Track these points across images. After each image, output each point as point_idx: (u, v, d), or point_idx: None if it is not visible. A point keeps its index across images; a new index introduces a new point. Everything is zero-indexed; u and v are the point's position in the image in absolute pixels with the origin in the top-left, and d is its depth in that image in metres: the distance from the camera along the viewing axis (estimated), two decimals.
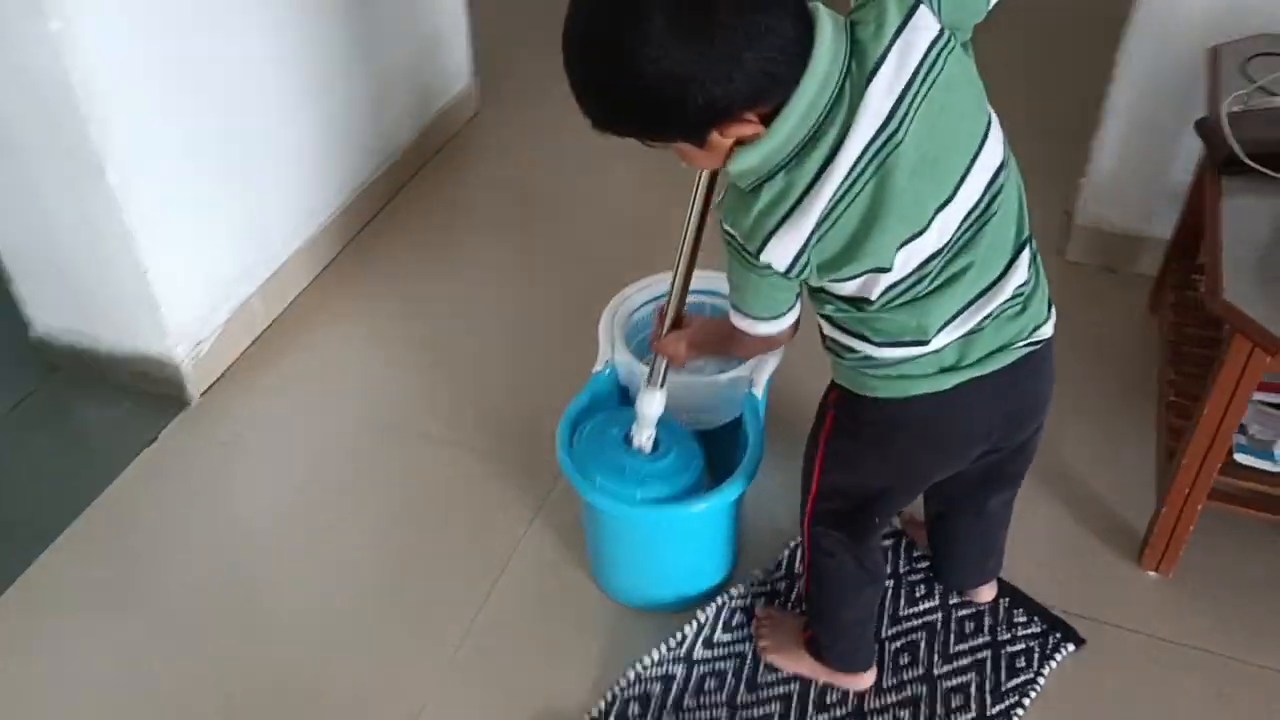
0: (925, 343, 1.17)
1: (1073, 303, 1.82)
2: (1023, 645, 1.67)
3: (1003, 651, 1.66)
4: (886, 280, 1.11)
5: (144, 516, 1.92)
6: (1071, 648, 1.66)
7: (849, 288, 1.14)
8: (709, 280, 1.84)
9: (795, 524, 1.51)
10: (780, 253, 1.08)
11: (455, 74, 2.84)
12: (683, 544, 1.69)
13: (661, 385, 1.58)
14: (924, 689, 1.63)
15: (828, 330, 1.26)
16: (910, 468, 1.34)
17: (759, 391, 1.68)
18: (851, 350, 1.23)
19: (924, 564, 1.77)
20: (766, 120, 1.01)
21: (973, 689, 1.62)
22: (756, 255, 1.09)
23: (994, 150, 1.10)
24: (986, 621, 1.70)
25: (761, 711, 1.60)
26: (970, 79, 1.08)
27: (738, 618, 1.71)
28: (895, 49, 1.00)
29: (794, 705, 1.60)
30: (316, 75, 2.28)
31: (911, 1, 1.01)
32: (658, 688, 1.62)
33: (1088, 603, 1.72)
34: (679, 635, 1.67)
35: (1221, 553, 1.77)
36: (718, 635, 1.68)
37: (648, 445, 1.61)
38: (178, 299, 2.03)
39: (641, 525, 1.63)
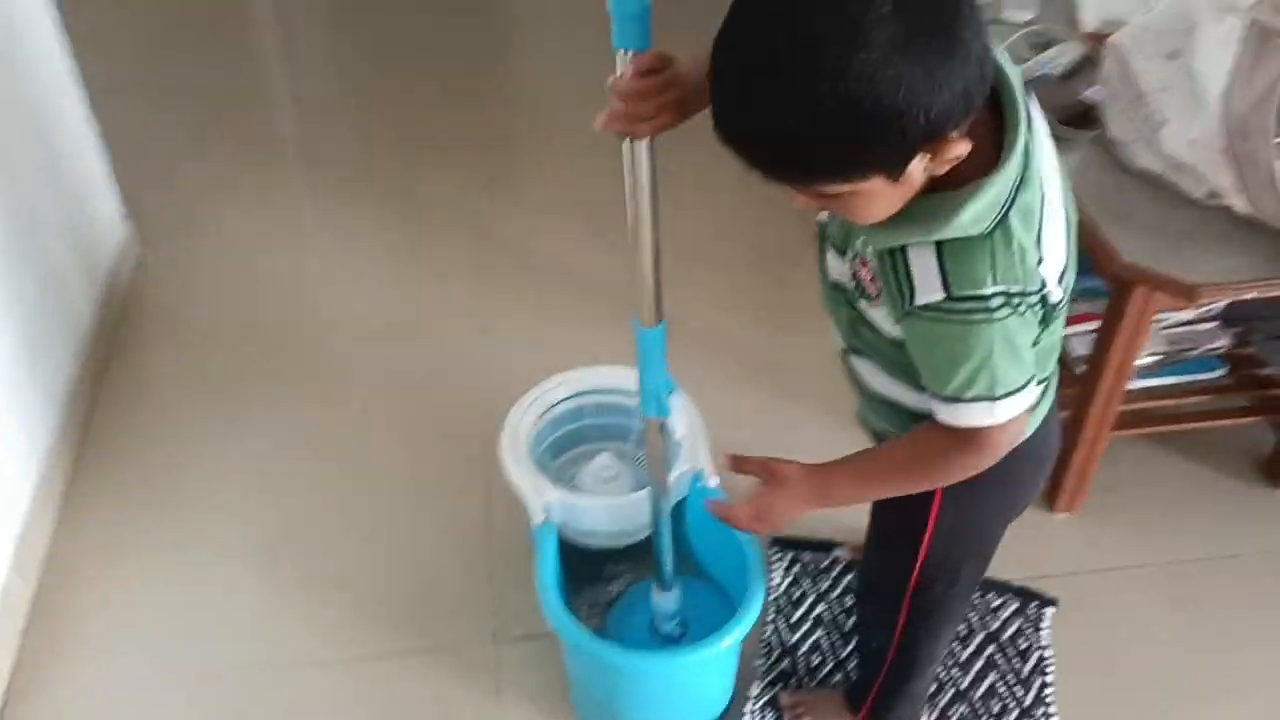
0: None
1: None
2: (1014, 627, 1.73)
3: (1003, 640, 1.71)
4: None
5: None
6: (1051, 609, 1.75)
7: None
8: (596, 378, 1.72)
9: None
10: (1053, 260, 0.97)
11: (109, 231, 2.38)
12: (709, 675, 1.56)
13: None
14: (964, 708, 1.63)
15: None
16: (1028, 496, 1.28)
17: (715, 482, 1.57)
18: None
19: None
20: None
21: (1002, 688, 1.65)
22: (1032, 280, 0.94)
23: None
24: (972, 619, 1.73)
25: None
26: None
27: (770, 718, 1.61)
28: None
29: None
30: None
31: None
32: None
33: (1026, 563, 1.81)
34: None
35: (1111, 477, 1.90)
36: None
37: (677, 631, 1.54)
38: None
39: (674, 670, 1.48)
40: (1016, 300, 0.94)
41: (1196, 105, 1.51)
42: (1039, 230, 0.95)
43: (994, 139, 0.92)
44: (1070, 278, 1.03)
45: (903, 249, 0.94)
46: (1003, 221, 0.92)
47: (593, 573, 1.75)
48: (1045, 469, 1.25)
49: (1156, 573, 1.81)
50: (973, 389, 0.97)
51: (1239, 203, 1.52)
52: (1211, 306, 1.85)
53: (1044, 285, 0.96)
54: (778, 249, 2.48)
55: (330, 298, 2.39)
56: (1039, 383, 1.08)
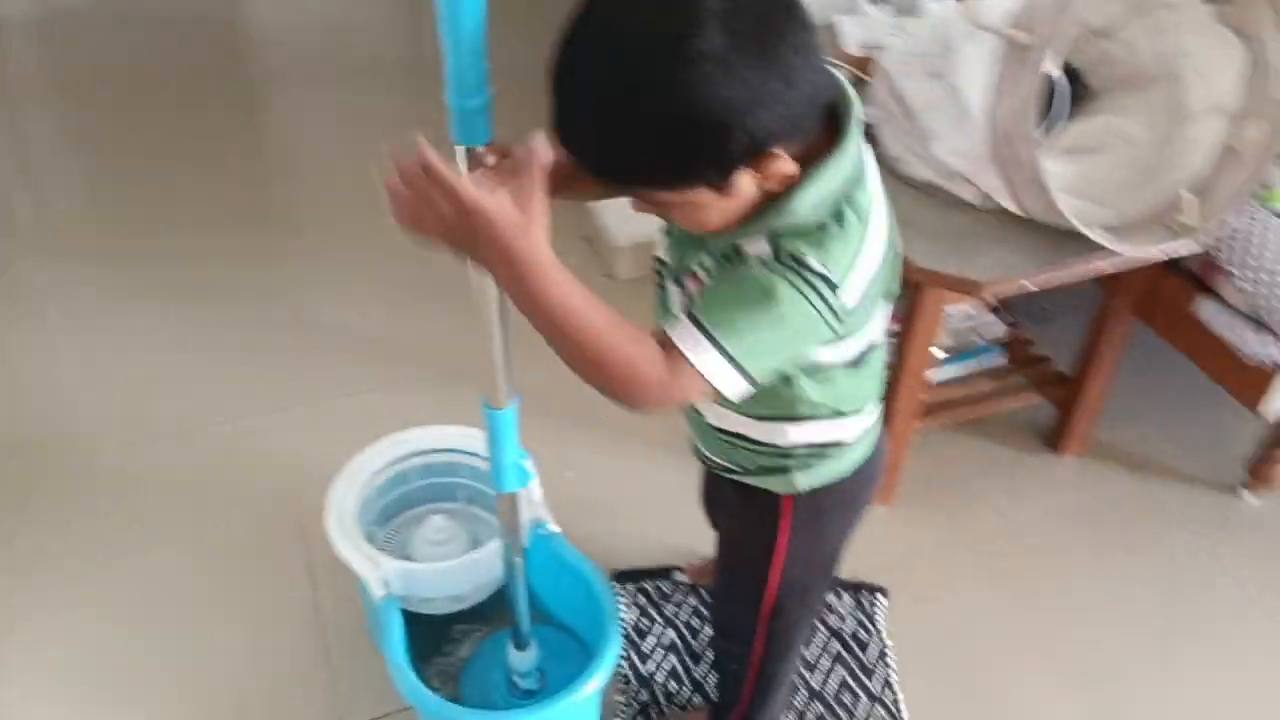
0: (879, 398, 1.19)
1: None
2: (852, 621, 1.80)
3: (844, 635, 1.78)
4: (868, 337, 1.08)
5: None
6: (882, 599, 1.84)
7: (857, 344, 1.07)
8: (415, 442, 1.68)
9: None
10: (857, 282, 0.96)
11: None
12: None
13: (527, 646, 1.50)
14: (818, 706, 1.69)
15: (792, 438, 1.15)
16: (864, 511, 1.32)
17: (555, 528, 1.56)
18: (826, 447, 1.17)
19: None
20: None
21: (851, 680, 1.73)
22: (833, 284, 0.93)
23: None
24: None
25: None
26: None
27: None
28: None
29: None
30: None
31: None
32: None
33: (853, 558, 1.83)
34: None
35: (917, 466, 2.00)
36: None
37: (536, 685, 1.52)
38: None
39: None
40: (824, 287, 0.93)
41: (962, 119, 1.62)
42: (865, 236, 0.97)
43: (832, 151, 0.95)
44: (882, 309, 1.06)
45: (738, 246, 0.97)
46: (839, 213, 0.95)
47: (438, 637, 1.70)
48: (877, 486, 1.30)
49: (968, 547, 1.94)
50: (713, 322, 0.93)
51: (1009, 203, 1.64)
52: (986, 299, 2.00)
53: (843, 281, 0.95)
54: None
55: (95, 399, 2.17)
56: (854, 412, 1.14)
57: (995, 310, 2.07)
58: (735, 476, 1.23)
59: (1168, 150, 1.69)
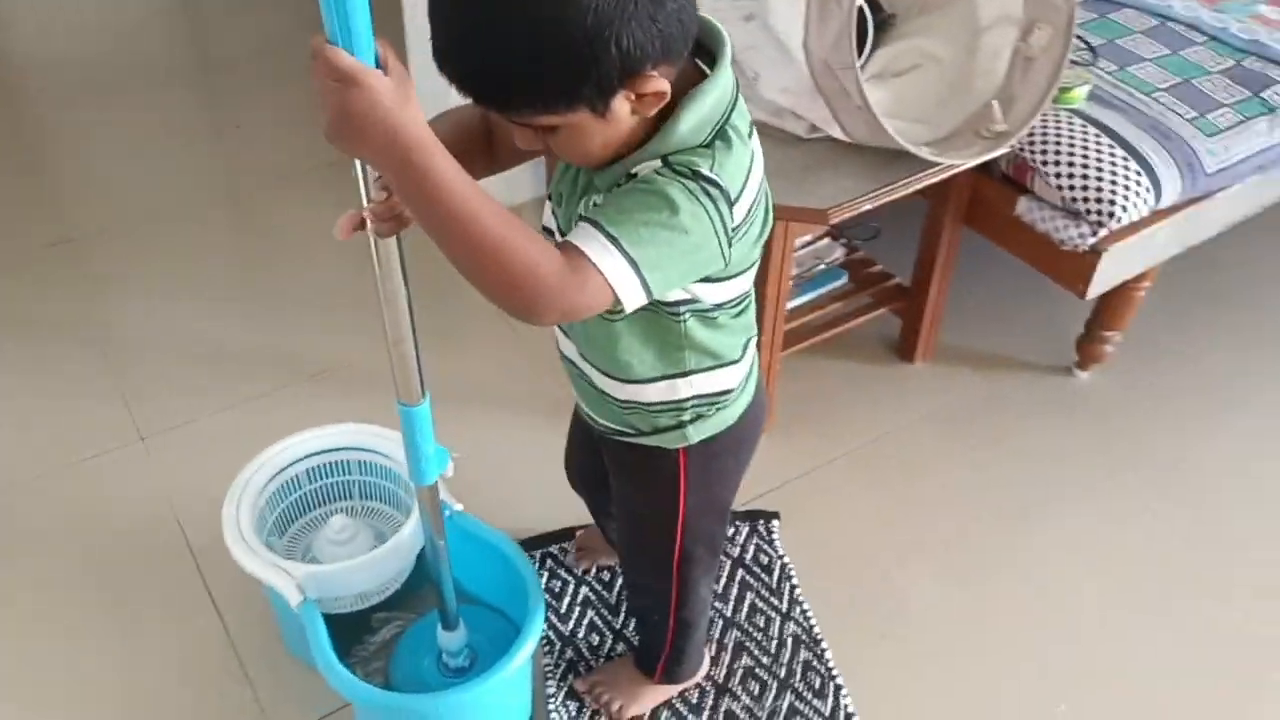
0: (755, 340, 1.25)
1: None
2: (753, 546, 1.89)
3: (747, 562, 1.87)
4: (750, 278, 1.13)
5: None
6: (776, 522, 1.93)
7: (739, 284, 1.12)
8: (298, 448, 1.66)
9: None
10: (745, 199, 1.01)
11: None
12: (517, 688, 1.57)
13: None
14: (735, 633, 1.77)
15: (683, 393, 1.19)
16: (753, 452, 1.39)
17: (458, 506, 1.58)
18: (715, 396, 1.22)
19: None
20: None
21: (760, 603, 1.81)
22: (727, 194, 0.97)
23: None
24: None
25: None
26: None
27: (574, 708, 1.65)
28: None
29: None
30: None
31: None
32: None
33: (743, 488, 1.95)
34: None
35: (786, 393, 2.12)
36: None
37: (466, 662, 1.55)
38: None
39: (488, 695, 1.47)
40: (717, 194, 0.97)
41: (782, 57, 1.70)
42: (751, 156, 1.03)
43: (706, 78, 1.00)
44: (757, 248, 1.11)
45: (630, 175, 1.00)
46: (721, 132, 1.00)
47: (352, 633, 1.69)
48: (761, 429, 1.36)
49: (844, 461, 2.05)
50: (614, 225, 0.94)
51: (836, 132, 1.74)
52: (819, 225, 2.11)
53: (738, 198, 1.00)
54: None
55: None
56: (742, 347, 1.20)
57: (831, 235, 2.18)
58: (629, 439, 1.27)
59: (970, 63, 1.82)
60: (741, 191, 1.00)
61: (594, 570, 1.85)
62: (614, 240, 0.93)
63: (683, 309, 1.10)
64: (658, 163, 0.98)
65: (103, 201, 2.70)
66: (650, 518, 1.39)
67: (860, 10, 1.77)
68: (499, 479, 1.97)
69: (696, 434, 1.25)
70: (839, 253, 2.18)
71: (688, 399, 1.21)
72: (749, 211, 1.04)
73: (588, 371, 1.23)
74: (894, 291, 2.20)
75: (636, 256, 0.93)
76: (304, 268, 2.48)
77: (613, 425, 1.28)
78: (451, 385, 2.12)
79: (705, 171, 0.96)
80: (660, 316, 1.11)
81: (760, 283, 1.84)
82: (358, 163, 0.95)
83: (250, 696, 1.66)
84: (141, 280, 2.45)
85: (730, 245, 1.00)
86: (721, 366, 1.20)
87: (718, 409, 1.24)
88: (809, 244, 2.15)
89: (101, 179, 2.79)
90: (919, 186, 1.78)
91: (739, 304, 1.16)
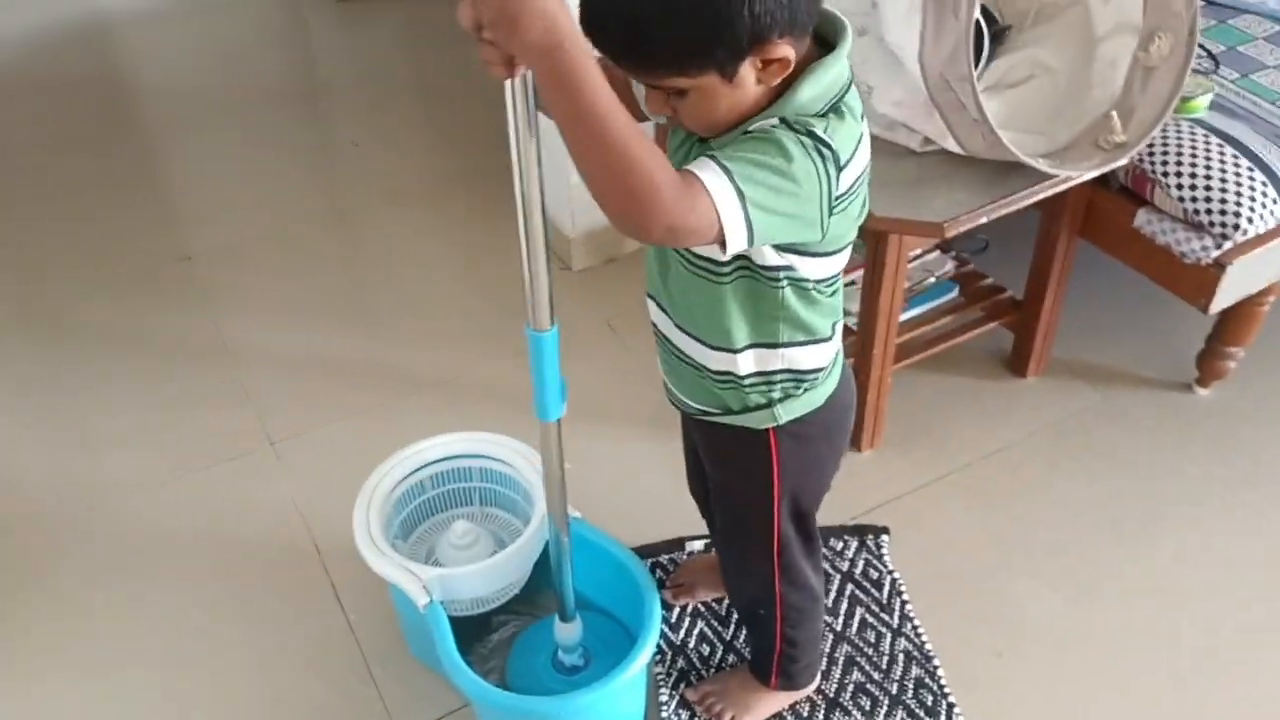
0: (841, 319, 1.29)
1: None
2: (862, 561, 1.89)
3: (856, 576, 1.87)
4: (844, 261, 1.17)
5: None
6: (886, 537, 1.92)
7: (835, 262, 1.16)
8: (425, 453, 1.71)
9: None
10: (851, 173, 1.05)
11: None
12: (633, 694, 1.61)
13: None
14: (845, 647, 1.77)
15: (774, 365, 1.23)
16: (845, 439, 1.41)
17: (576, 513, 1.61)
18: (804, 374, 1.25)
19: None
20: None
21: (870, 618, 1.81)
22: (837, 158, 1.02)
23: None
24: (826, 568, 1.88)
25: None
26: None
27: (686, 717, 1.67)
28: None
29: None
30: None
31: None
32: None
33: (853, 504, 1.98)
34: None
35: (896, 408, 2.10)
36: None
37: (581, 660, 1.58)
38: None
39: (607, 699, 1.50)
40: (828, 155, 1.01)
41: (896, 70, 1.71)
42: (861, 134, 1.07)
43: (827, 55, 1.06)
44: (853, 230, 1.15)
45: (746, 131, 1.04)
46: (836, 107, 1.05)
47: (474, 633, 1.74)
48: (852, 413, 1.40)
49: (955, 477, 2.03)
50: (731, 162, 0.97)
51: (951, 145, 1.74)
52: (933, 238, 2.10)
53: (846, 165, 1.04)
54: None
55: (51, 467, 2.14)
56: (830, 328, 1.24)
57: (940, 248, 2.17)
58: (719, 419, 1.31)
59: (1086, 73, 1.80)
60: (850, 160, 1.05)
61: (690, 607, 1.85)
62: (727, 172, 0.97)
63: (781, 276, 1.14)
64: (775, 120, 1.03)
65: (222, 220, 2.82)
66: (747, 503, 1.41)
67: (975, 22, 1.76)
68: (609, 489, 2.01)
69: (785, 413, 1.28)
70: (949, 266, 2.16)
71: (777, 372, 1.24)
72: (853, 185, 1.07)
73: (682, 344, 1.27)
74: (1006, 305, 2.18)
75: (746, 192, 0.97)
76: (415, 283, 2.56)
77: (703, 405, 1.31)
78: (570, 401, 2.17)
79: (819, 132, 1.01)
80: (760, 282, 1.15)
81: (872, 296, 1.85)
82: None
83: (374, 695, 1.72)
84: (259, 295, 2.55)
85: (830, 215, 1.04)
86: (813, 343, 1.23)
87: (805, 389, 1.27)
88: (918, 257, 2.14)
89: (220, 199, 2.91)
90: (1035, 199, 1.76)
91: (832, 283, 1.21)
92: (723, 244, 0.99)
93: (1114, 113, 1.75)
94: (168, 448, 2.16)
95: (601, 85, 0.90)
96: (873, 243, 1.80)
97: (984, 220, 1.72)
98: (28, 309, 2.55)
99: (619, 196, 0.94)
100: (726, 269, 1.15)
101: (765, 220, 0.99)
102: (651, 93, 1.05)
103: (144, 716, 1.72)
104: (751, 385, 1.25)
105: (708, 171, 0.97)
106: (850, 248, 1.17)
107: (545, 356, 1.23)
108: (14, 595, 1.90)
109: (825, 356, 1.26)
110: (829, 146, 1.01)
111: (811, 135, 1.00)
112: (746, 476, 1.37)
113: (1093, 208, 1.97)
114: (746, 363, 1.23)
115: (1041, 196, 1.77)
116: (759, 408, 1.27)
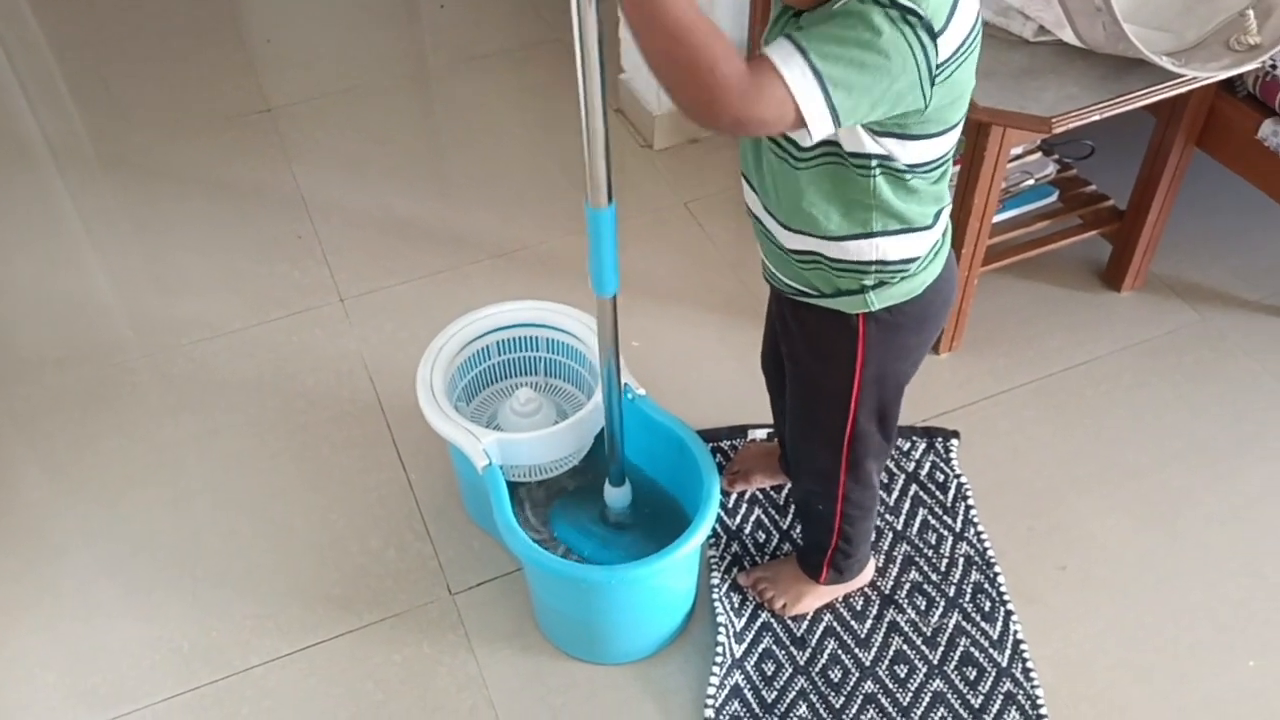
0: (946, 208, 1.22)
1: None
2: (929, 463, 1.85)
3: (922, 478, 1.83)
4: (950, 143, 1.10)
5: None
6: (955, 441, 1.88)
7: (939, 145, 1.09)
8: (493, 319, 1.69)
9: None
10: (951, 40, 0.97)
11: None
12: (686, 572, 1.60)
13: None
14: (904, 546, 1.74)
15: (868, 254, 1.17)
16: (935, 335, 1.36)
17: (641, 391, 1.59)
18: (898, 264, 1.19)
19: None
20: None
21: (933, 520, 1.77)
22: (930, 28, 0.95)
23: None
24: (891, 466, 1.84)
25: (824, 659, 1.61)
26: None
27: (737, 600, 1.67)
28: None
29: (842, 634, 1.63)
30: None
31: None
32: (735, 704, 1.56)
33: (926, 405, 1.93)
34: (719, 651, 1.60)
35: (980, 312, 2.03)
36: (740, 626, 1.64)
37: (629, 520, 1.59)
38: None
39: (656, 575, 1.50)
40: (917, 22, 0.94)
41: None
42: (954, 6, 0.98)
43: None
44: (960, 106, 1.08)
45: (831, 8, 0.98)
46: None
47: (532, 503, 1.75)
48: (949, 309, 1.33)
49: (1034, 387, 1.97)
50: (811, 43, 0.93)
51: (1068, 35, 1.63)
52: (1035, 139, 1.99)
53: (943, 31, 0.97)
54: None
55: (134, 306, 2.18)
56: (935, 215, 1.17)
57: (1043, 150, 2.06)
58: (811, 300, 1.26)
59: None
60: (946, 25, 0.97)
61: (748, 493, 1.83)
62: (803, 51, 0.92)
63: (873, 163, 1.08)
64: None
65: (304, 75, 2.79)
66: (825, 388, 1.36)
67: None
68: (676, 371, 1.98)
69: (879, 300, 1.22)
70: (1050, 169, 2.06)
71: (871, 262, 1.18)
72: (956, 52, 1.00)
73: (770, 227, 1.23)
74: (1107, 214, 2.07)
75: (824, 71, 0.92)
76: (491, 149, 2.52)
77: (794, 285, 1.27)
78: (636, 279, 2.14)
79: (910, 4, 0.94)
80: (847, 168, 1.09)
81: (967, 192, 1.77)
82: None
83: (430, 551, 1.74)
84: (337, 151, 2.54)
85: (933, 84, 0.98)
86: (911, 231, 1.17)
87: (902, 277, 1.21)
88: (1018, 157, 2.04)
89: (303, 53, 2.88)
90: (1153, 100, 1.66)
91: (935, 167, 1.13)
92: (806, 128, 0.94)
93: (1250, 11, 1.62)
94: (242, 294, 2.18)
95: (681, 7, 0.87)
96: (972, 136, 1.70)
97: (1096, 118, 1.62)
98: (112, 148, 2.57)
99: (681, 84, 0.92)
100: (807, 155, 1.10)
101: (849, 100, 0.95)
102: None
103: (204, 550, 1.76)
104: (842, 271, 1.20)
105: (780, 52, 0.93)
106: (957, 130, 1.10)
107: (604, 233, 1.23)
108: (93, 419, 1.96)
109: (925, 245, 1.20)
110: (917, 14, 0.94)
111: (896, 4, 0.94)
112: (828, 360, 1.33)
113: (1214, 115, 1.84)
114: (835, 250, 1.18)
115: (1160, 98, 1.66)
116: (851, 292, 1.22)
